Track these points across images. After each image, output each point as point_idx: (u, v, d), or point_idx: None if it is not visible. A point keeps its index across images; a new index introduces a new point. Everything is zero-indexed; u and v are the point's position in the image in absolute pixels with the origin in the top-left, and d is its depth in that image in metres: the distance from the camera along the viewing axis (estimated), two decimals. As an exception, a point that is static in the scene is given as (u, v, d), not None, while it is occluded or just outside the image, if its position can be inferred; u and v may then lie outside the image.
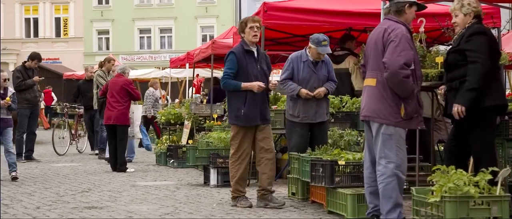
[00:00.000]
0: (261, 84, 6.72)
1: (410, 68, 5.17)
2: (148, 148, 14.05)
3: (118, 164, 10.74)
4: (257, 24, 6.89)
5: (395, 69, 5.12)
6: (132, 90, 10.93)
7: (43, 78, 14.50)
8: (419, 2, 5.66)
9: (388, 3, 5.53)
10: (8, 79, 9.89)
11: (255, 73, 6.82)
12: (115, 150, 10.83)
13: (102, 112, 11.42)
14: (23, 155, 12.36)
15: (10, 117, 9.64)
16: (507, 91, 14.19)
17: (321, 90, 7.49)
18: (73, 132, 15.32)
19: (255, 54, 6.92)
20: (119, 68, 11.36)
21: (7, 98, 9.44)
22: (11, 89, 9.77)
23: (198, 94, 20.04)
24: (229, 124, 7.10)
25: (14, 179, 9.32)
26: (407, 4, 5.41)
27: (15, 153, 9.65)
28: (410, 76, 5.17)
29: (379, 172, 5.30)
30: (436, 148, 8.26)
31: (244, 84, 6.72)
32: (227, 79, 6.80)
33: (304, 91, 7.45)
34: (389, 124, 5.23)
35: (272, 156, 6.94)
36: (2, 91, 9.48)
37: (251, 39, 6.84)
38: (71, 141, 14.86)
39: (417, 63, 5.37)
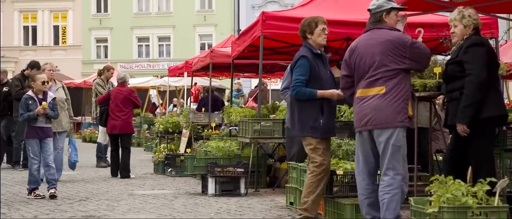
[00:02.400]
0: (340, 92, 5.99)
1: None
2: (73, 166, 10.96)
3: (120, 169, 11.12)
4: (326, 26, 6.29)
5: (427, 52, 5.41)
6: (135, 99, 11.39)
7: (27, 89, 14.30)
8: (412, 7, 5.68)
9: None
10: (48, 82, 9.01)
11: (325, 79, 6.17)
12: (117, 157, 11.26)
13: (102, 120, 11.54)
14: (21, 163, 12.35)
15: (50, 126, 8.60)
16: (505, 101, 14.19)
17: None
18: None
19: (323, 58, 6.30)
20: (120, 78, 11.55)
21: (44, 103, 8.34)
22: (51, 94, 8.69)
23: (195, 103, 20.08)
24: (301, 136, 6.21)
25: (53, 197, 8.25)
26: (384, 13, 5.43)
27: (55, 168, 8.64)
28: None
29: (385, 183, 5.25)
30: (434, 157, 8.26)
31: (320, 92, 6.07)
32: (300, 87, 6.05)
33: None
34: (398, 126, 5.23)
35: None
36: (41, 96, 8.44)
37: (320, 41, 6.21)
38: None
39: None
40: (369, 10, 5.52)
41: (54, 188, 8.37)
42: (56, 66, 9.36)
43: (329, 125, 6.13)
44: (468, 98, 5.29)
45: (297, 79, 6.04)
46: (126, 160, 11.16)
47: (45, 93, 8.49)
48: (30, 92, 8.52)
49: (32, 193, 8.37)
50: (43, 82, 8.48)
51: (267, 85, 15.96)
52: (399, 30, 5.52)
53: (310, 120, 6.06)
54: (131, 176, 11.07)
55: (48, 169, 8.39)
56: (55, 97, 8.71)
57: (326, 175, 6.08)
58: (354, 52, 5.48)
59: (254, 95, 14.38)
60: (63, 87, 10.57)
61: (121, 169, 11.11)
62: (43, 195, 8.33)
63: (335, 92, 6.05)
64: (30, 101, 8.38)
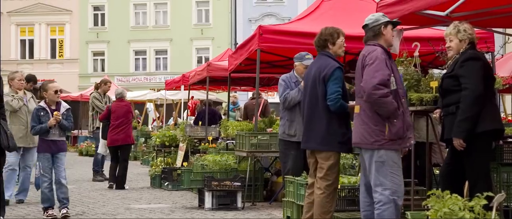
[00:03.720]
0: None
1: (387, 88, 5.15)
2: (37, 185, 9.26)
3: (117, 180, 11.55)
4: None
5: (370, 90, 5.15)
6: (132, 113, 12.06)
7: (39, 101, 14.41)
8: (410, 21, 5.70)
9: (364, 30, 5.54)
10: (61, 91, 8.23)
11: (345, 91, 6.03)
12: (116, 167, 11.69)
13: (104, 134, 12.06)
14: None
15: (64, 138, 7.92)
16: (501, 115, 14.21)
17: None
18: None
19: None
20: (118, 93, 12.05)
21: (56, 112, 7.68)
22: (65, 105, 7.95)
23: (192, 117, 20.07)
24: (326, 150, 5.89)
25: (65, 217, 7.74)
26: (382, 25, 5.45)
27: (67, 187, 7.94)
28: (388, 95, 5.14)
29: (376, 199, 5.28)
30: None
31: (350, 105, 5.91)
32: (340, 100, 5.81)
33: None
34: (374, 148, 5.21)
35: None
36: (54, 107, 7.79)
37: (340, 53, 6.14)
38: None
39: (399, 82, 5.38)
40: (365, 25, 5.52)
41: (66, 207, 7.79)
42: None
43: (351, 140, 5.90)
44: (464, 113, 5.30)
45: (338, 91, 5.82)
46: (123, 171, 11.61)
47: (58, 104, 7.86)
48: (41, 103, 7.92)
49: (45, 213, 7.72)
50: (56, 92, 7.84)
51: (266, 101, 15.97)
52: (386, 50, 5.40)
53: (338, 135, 5.85)
54: (125, 188, 11.47)
55: (59, 187, 7.72)
56: (69, 108, 7.94)
57: (336, 193, 6.00)
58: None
59: (261, 109, 14.34)
60: (32, 97, 9.67)
61: (119, 179, 11.56)
62: (55, 216, 7.73)
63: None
64: (42, 113, 7.75)
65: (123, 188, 11.44)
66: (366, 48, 5.43)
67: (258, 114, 11.90)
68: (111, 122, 11.69)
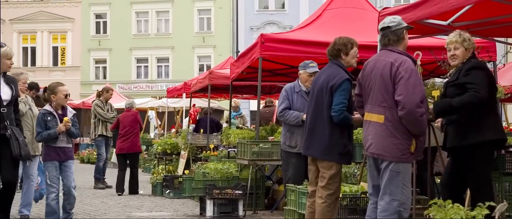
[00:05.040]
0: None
1: (424, 106, 5.04)
2: (40, 197, 8.58)
3: (130, 186, 12.09)
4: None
5: (412, 108, 4.95)
6: (140, 122, 12.56)
7: (41, 108, 14.43)
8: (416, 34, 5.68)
9: (382, 33, 5.37)
10: (69, 95, 7.63)
11: (351, 102, 5.97)
12: (123, 176, 12.03)
13: (115, 144, 12.88)
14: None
15: (71, 145, 7.37)
16: (503, 124, 14.20)
17: None
18: None
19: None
20: (128, 104, 12.76)
21: (65, 118, 7.17)
22: (71, 110, 7.43)
23: (193, 125, 20.06)
24: (328, 160, 5.88)
25: None
26: (405, 30, 5.33)
27: (75, 197, 7.46)
28: (425, 114, 5.05)
29: (381, 208, 5.15)
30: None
31: (354, 118, 5.90)
32: (346, 112, 5.78)
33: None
34: (398, 161, 5.11)
35: None
36: (60, 112, 7.25)
37: (353, 63, 6.01)
38: None
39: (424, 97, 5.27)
40: (386, 28, 5.31)
41: (70, 218, 7.35)
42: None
43: (351, 152, 6.00)
44: (459, 102, 5.29)
45: (343, 103, 5.76)
46: (134, 177, 12.16)
47: (64, 109, 7.30)
48: (47, 107, 7.27)
49: None
50: (66, 95, 7.31)
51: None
52: (415, 61, 5.30)
53: (340, 146, 5.84)
54: (140, 192, 12.10)
55: (68, 197, 7.23)
56: (75, 113, 7.46)
57: (338, 202, 5.98)
58: (364, 72, 5.41)
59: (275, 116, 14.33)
60: (32, 102, 8.87)
61: (130, 186, 12.13)
62: None
63: (361, 118, 5.73)
64: (48, 118, 7.17)
65: (136, 193, 12.03)
66: (391, 55, 5.20)
67: (274, 121, 11.94)
68: (119, 131, 12.30)
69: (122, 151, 12.23)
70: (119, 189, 11.92)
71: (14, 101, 6.66)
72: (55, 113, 7.20)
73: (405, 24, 5.41)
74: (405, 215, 5.19)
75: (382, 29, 5.36)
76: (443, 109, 5.40)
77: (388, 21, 5.34)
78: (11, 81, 6.72)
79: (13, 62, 6.78)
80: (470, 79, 5.36)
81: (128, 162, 12.30)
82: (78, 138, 27.54)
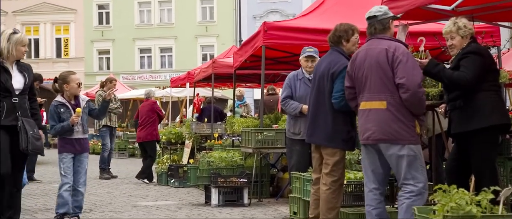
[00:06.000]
0: None
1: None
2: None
3: (140, 171, 12.38)
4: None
5: (415, 89, 5.06)
6: (158, 110, 12.83)
7: (45, 100, 14.45)
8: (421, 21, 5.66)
9: (368, 22, 5.38)
10: (81, 84, 7.37)
11: None
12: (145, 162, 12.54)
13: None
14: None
15: (86, 136, 7.09)
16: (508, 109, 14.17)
17: None
18: None
19: None
20: (146, 94, 13.26)
21: (78, 109, 6.86)
22: (84, 97, 7.18)
23: (197, 114, 20.08)
24: (332, 147, 5.87)
25: None
26: (390, 19, 5.37)
27: (83, 194, 7.16)
28: (424, 93, 5.24)
29: (408, 189, 5.15)
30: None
31: (303, 108, 5.88)
32: (345, 99, 5.68)
33: (305, 107, 7.20)
34: (410, 143, 5.14)
35: None
36: (73, 102, 6.97)
37: (353, 50, 5.92)
38: None
39: None
40: (372, 17, 5.36)
41: (77, 215, 7.07)
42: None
43: (354, 138, 5.96)
44: (448, 76, 5.39)
45: (343, 89, 5.70)
46: (148, 164, 12.44)
47: (76, 98, 7.03)
48: (59, 98, 6.98)
49: None
50: (79, 84, 7.08)
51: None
52: (402, 42, 5.43)
53: (343, 133, 5.84)
54: (144, 181, 12.15)
55: (76, 193, 6.95)
56: (89, 100, 7.20)
57: (342, 188, 5.97)
58: (354, 63, 5.41)
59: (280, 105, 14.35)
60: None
61: (140, 171, 12.38)
62: None
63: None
64: (62, 109, 6.90)
65: (142, 178, 12.20)
66: (385, 43, 5.22)
67: (278, 109, 11.96)
68: (138, 121, 13.00)
69: (139, 139, 12.74)
70: (140, 176, 12.26)
71: (28, 90, 6.25)
72: (68, 104, 6.94)
73: (391, 14, 5.41)
74: (426, 195, 5.18)
75: (369, 18, 5.40)
76: (435, 72, 5.48)
77: (374, 10, 5.39)
78: (25, 69, 6.23)
79: (27, 49, 6.25)
80: (464, 62, 5.38)
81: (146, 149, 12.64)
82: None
